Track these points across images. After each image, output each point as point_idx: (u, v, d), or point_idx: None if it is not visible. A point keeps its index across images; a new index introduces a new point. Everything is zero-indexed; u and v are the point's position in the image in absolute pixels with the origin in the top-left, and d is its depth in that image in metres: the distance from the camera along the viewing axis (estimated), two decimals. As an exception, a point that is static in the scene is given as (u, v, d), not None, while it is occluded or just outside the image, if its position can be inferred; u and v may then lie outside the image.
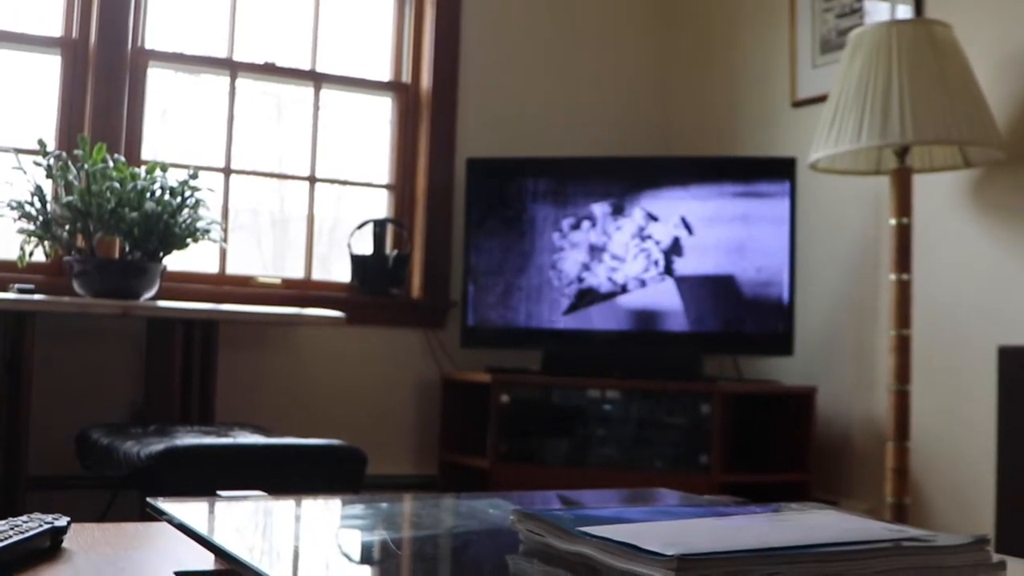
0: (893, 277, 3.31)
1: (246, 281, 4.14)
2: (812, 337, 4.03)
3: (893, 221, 3.33)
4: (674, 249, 4.04)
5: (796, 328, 3.92)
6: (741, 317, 3.99)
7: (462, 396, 4.15)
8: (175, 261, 3.79)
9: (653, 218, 4.06)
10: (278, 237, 4.42)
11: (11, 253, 3.57)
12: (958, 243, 3.56)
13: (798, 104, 4.17)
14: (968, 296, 3.51)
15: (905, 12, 3.78)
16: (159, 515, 1.51)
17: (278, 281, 4.20)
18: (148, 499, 1.57)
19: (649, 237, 4.02)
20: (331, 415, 4.14)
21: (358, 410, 4.20)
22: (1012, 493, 2.91)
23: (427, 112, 4.41)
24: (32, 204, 3.46)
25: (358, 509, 1.74)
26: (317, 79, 4.34)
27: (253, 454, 2.90)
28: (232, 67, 4.20)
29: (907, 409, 3.28)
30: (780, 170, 3.94)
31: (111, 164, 3.51)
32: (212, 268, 4.12)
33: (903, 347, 3.28)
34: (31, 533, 1.48)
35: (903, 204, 3.33)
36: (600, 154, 4.52)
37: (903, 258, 3.31)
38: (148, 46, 4.04)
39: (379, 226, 4.27)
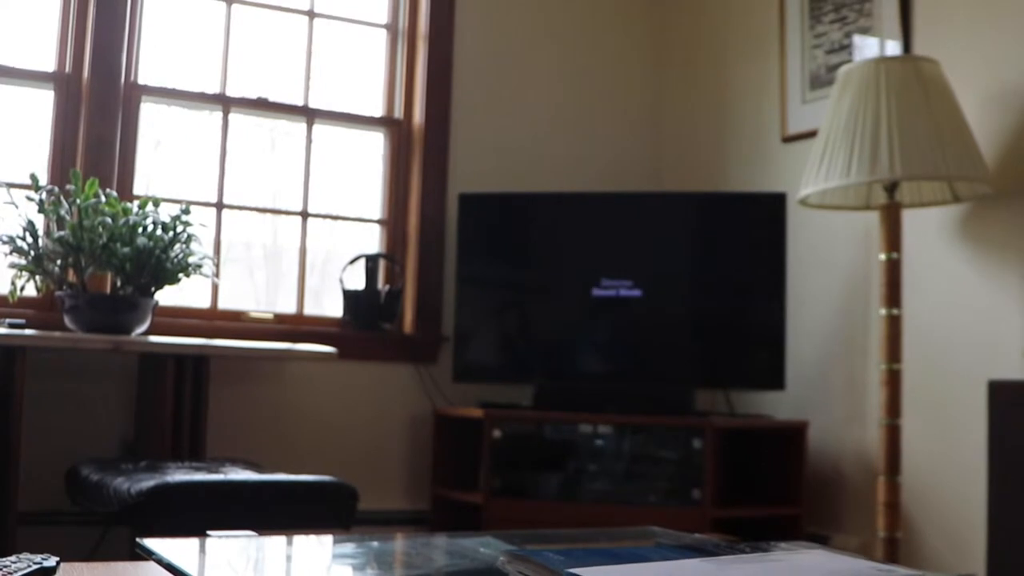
0: (883, 312, 3.32)
1: (238, 316, 4.14)
2: (804, 371, 4.03)
3: (883, 256, 3.34)
4: (666, 284, 4.04)
5: (787, 362, 3.92)
6: (732, 351, 4.00)
7: (454, 431, 4.15)
8: (167, 296, 3.80)
9: (644, 252, 4.07)
10: (271, 271, 4.42)
11: (2, 288, 3.58)
12: (948, 277, 3.57)
13: (788, 139, 4.19)
14: (958, 330, 3.52)
15: (893, 49, 3.81)
16: (147, 555, 1.51)
17: (270, 316, 4.20)
18: (137, 539, 1.56)
19: (641, 272, 4.03)
20: (323, 450, 4.13)
21: (350, 445, 4.20)
22: (1003, 527, 2.90)
23: (419, 147, 4.43)
24: (24, 239, 3.47)
25: (349, 548, 1.74)
26: (310, 114, 4.36)
27: (244, 490, 2.89)
28: (225, 102, 4.21)
29: (898, 443, 3.29)
30: (770, 205, 3.96)
31: (103, 199, 3.51)
32: (204, 303, 4.12)
33: (894, 381, 3.29)
34: (20, 574, 1.48)
35: (892, 239, 3.34)
36: (592, 189, 4.53)
37: (893, 293, 3.32)
38: (141, 81, 4.06)
39: (371, 261, 4.27)
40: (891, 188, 3.36)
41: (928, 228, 3.63)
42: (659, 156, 4.81)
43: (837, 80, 3.46)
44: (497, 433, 3.82)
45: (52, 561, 1.56)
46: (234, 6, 4.27)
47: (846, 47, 4.01)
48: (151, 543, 1.53)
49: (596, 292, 4.04)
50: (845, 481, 3.87)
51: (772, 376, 3.90)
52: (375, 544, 1.73)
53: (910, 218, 3.59)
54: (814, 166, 3.40)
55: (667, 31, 4.87)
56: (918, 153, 3.22)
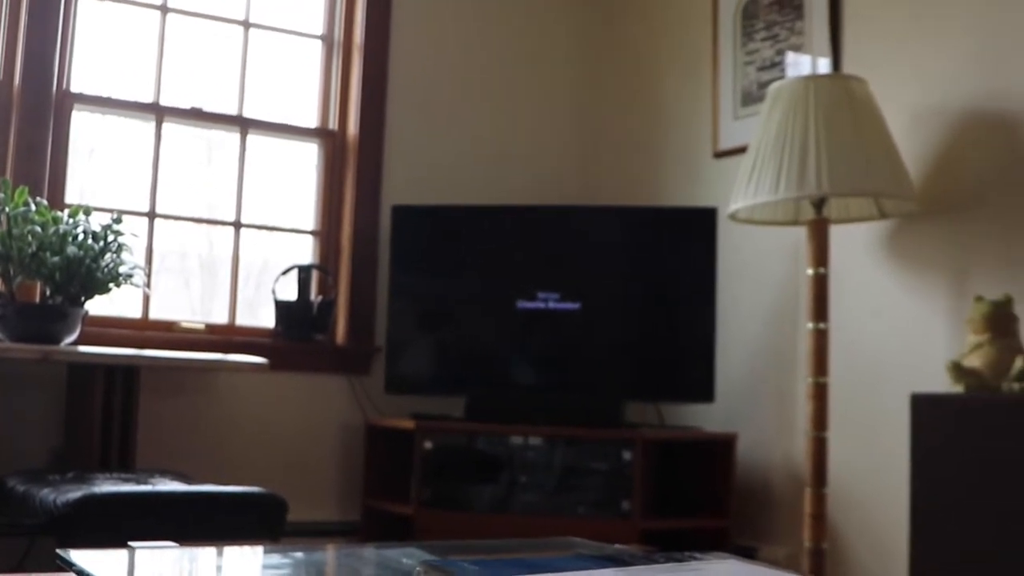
0: (810, 326, 3.37)
1: (169, 326, 4.13)
2: (734, 384, 4.08)
3: (810, 271, 3.39)
4: (597, 297, 4.07)
5: (718, 375, 3.96)
6: (663, 364, 4.04)
7: (386, 442, 4.15)
8: (97, 306, 3.77)
9: (576, 266, 4.10)
10: (207, 281, 4.41)
11: (-71, 297, 3.54)
12: (874, 292, 3.63)
13: (720, 155, 4.24)
14: (884, 344, 3.58)
15: (824, 67, 3.86)
16: (68, 567, 1.50)
17: (201, 327, 4.18)
18: (58, 550, 1.56)
19: (572, 285, 4.05)
20: (254, 462, 4.12)
21: (282, 457, 4.19)
22: (925, 537, 2.95)
23: (353, 159, 4.43)
24: (-48, 248, 3.43)
25: (275, 559, 1.74)
26: (244, 124, 4.35)
27: (171, 502, 2.88)
28: (159, 111, 4.20)
29: (824, 455, 3.33)
30: (701, 220, 4.00)
31: (33, 208, 3.48)
32: (135, 313, 4.10)
33: (820, 394, 3.33)
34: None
35: (820, 254, 3.39)
36: (526, 202, 4.55)
37: (820, 307, 3.37)
38: (74, 89, 4.03)
39: (304, 272, 4.27)
40: (819, 204, 3.41)
41: (855, 244, 3.69)
42: (593, 170, 4.84)
43: (767, 97, 3.51)
44: (428, 444, 3.83)
45: (-29, 573, 1.55)
46: (169, 15, 4.26)
47: (777, 64, 4.07)
48: (72, 555, 1.52)
49: (528, 305, 4.06)
50: (773, 493, 3.92)
51: (702, 389, 3.94)
52: (300, 555, 1.74)
53: (838, 234, 3.64)
54: (743, 182, 3.44)
55: (602, 46, 4.91)
56: (845, 170, 3.26)
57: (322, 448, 4.28)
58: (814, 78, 3.47)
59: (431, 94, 4.60)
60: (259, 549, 1.90)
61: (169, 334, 4.07)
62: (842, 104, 3.35)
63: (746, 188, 3.42)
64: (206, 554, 1.75)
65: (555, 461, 3.79)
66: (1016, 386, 2.93)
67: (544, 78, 4.84)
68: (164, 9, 4.25)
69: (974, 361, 3.01)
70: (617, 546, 1.86)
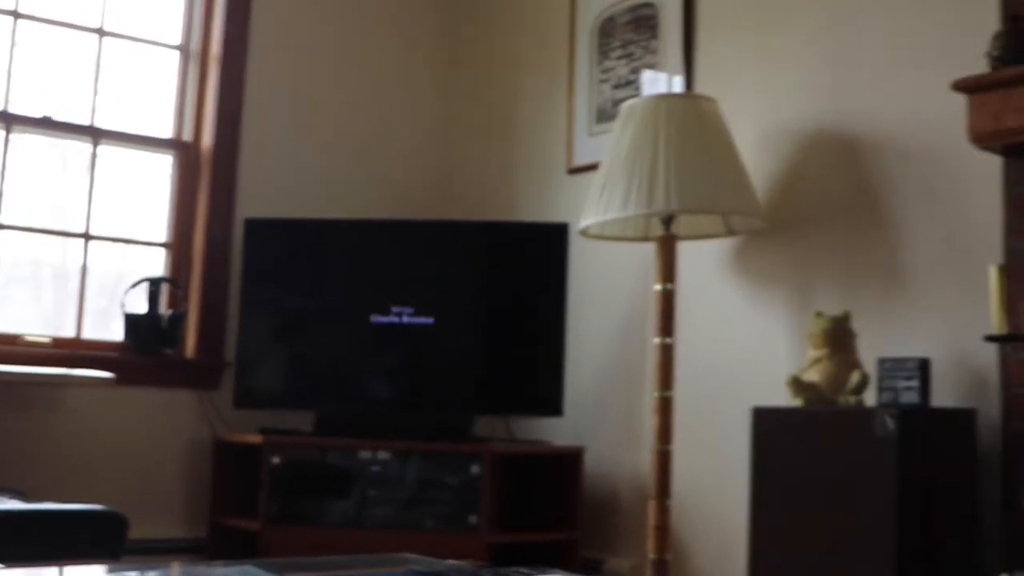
0: (657, 341, 3.42)
1: (13, 340, 4.03)
2: (583, 398, 4.12)
3: (658, 286, 3.44)
4: (450, 312, 4.08)
5: (568, 389, 4.00)
6: (514, 378, 4.06)
7: (235, 458, 4.10)
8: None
9: (431, 281, 4.11)
10: (59, 293, 4.31)
11: None
12: (720, 308, 3.70)
13: (574, 171, 4.29)
14: (728, 358, 3.65)
15: (678, 85, 3.93)
16: None
17: (47, 340, 4.09)
18: None
19: (426, 299, 4.06)
20: (100, 479, 4.04)
21: (128, 473, 4.11)
22: (764, 547, 3.02)
23: (207, 170, 4.39)
24: None
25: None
26: (95, 134, 4.27)
27: (7, 521, 2.81)
28: (7, 120, 4.10)
29: (668, 468, 3.38)
30: (553, 235, 4.04)
31: None
32: (-22, 325, 4.00)
33: (665, 408, 3.38)
34: None
35: (667, 270, 3.44)
36: (381, 216, 4.55)
37: (666, 322, 3.42)
38: (-85, 96, 3.93)
39: (154, 284, 4.20)
40: (667, 221, 3.46)
41: (704, 260, 3.76)
42: (449, 185, 4.86)
43: (620, 115, 3.55)
44: (276, 459, 3.79)
45: None
46: (20, 21, 4.17)
47: (632, 83, 4.13)
48: None
49: (382, 319, 4.05)
50: (620, 505, 3.97)
51: (551, 403, 3.97)
52: (132, 574, 1.72)
53: (687, 250, 3.71)
54: (595, 198, 3.48)
55: (460, 61, 4.93)
56: (693, 188, 3.32)
57: (170, 464, 4.21)
58: (665, 97, 3.53)
59: (288, 106, 4.57)
60: (95, 568, 1.88)
61: (14, 348, 3.98)
62: (692, 123, 3.40)
63: (597, 205, 3.46)
64: (38, 575, 1.72)
65: (404, 476, 3.78)
66: (852, 399, 3.02)
67: (402, 93, 4.84)
68: (16, 15, 4.15)
69: (813, 375, 3.09)
70: (449, 561, 1.87)
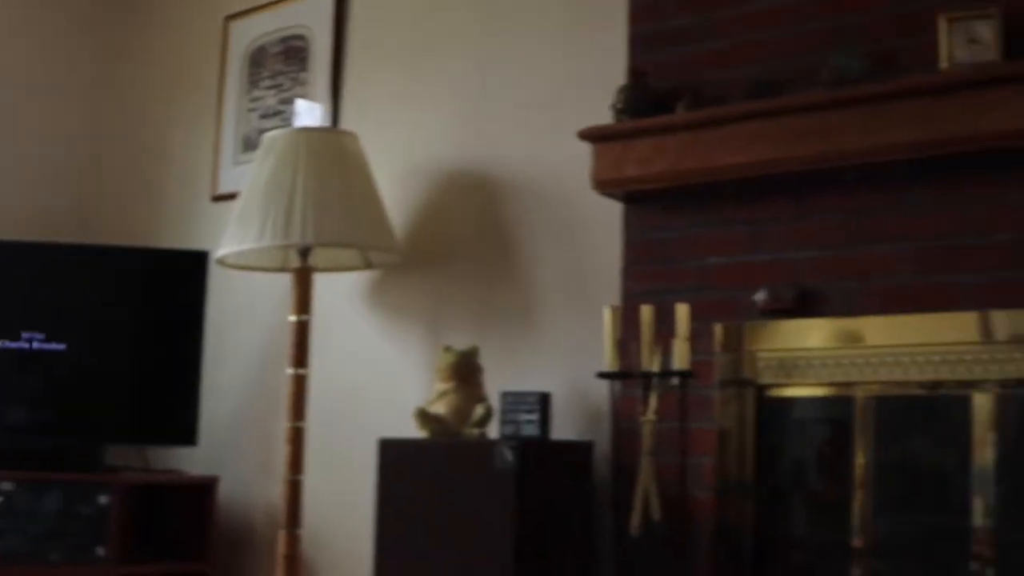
0: (290, 371, 3.43)
1: None
2: (220, 427, 4.10)
3: (293, 317, 3.46)
4: (85, 338, 3.98)
5: (204, 418, 3.98)
6: (148, 407, 4.01)
7: None
8: None
9: (65, 306, 4.00)
10: None
11: None
12: (355, 340, 3.78)
13: (218, 199, 4.27)
14: (361, 390, 3.74)
15: (324, 119, 3.98)
16: None
17: None
18: None
19: (59, 325, 3.95)
20: None
21: None
22: (388, 573, 3.09)
23: None
24: None
25: None
26: None
27: None
28: None
29: (299, 498, 3.39)
30: (192, 262, 4.02)
31: None
32: None
33: (297, 438, 3.40)
34: None
35: (302, 302, 3.47)
36: (15, 238, 4.36)
37: (300, 353, 3.44)
38: None
39: None
40: (304, 252, 3.49)
41: (341, 292, 3.82)
42: (91, 208, 4.72)
43: (261, 146, 3.55)
44: None
45: None
46: None
47: (280, 113, 4.15)
48: None
49: (11, 344, 3.93)
50: (255, 535, 3.97)
51: (185, 432, 3.95)
52: None
53: (325, 282, 3.75)
54: (233, 227, 3.47)
55: (110, 83, 4.81)
56: (330, 221, 3.36)
57: None
58: (306, 130, 3.57)
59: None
60: None
61: None
62: (332, 158, 3.45)
63: (234, 234, 3.45)
64: None
65: (32, 507, 3.66)
66: (476, 432, 3.13)
67: (46, 112, 4.68)
68: None
69: (440, 408, 3.19)
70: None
